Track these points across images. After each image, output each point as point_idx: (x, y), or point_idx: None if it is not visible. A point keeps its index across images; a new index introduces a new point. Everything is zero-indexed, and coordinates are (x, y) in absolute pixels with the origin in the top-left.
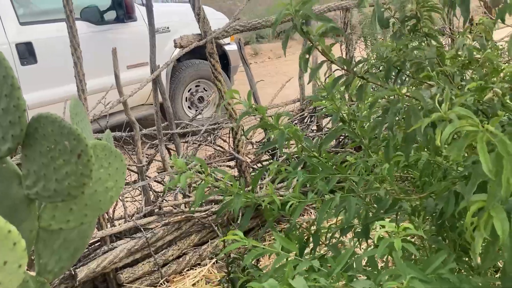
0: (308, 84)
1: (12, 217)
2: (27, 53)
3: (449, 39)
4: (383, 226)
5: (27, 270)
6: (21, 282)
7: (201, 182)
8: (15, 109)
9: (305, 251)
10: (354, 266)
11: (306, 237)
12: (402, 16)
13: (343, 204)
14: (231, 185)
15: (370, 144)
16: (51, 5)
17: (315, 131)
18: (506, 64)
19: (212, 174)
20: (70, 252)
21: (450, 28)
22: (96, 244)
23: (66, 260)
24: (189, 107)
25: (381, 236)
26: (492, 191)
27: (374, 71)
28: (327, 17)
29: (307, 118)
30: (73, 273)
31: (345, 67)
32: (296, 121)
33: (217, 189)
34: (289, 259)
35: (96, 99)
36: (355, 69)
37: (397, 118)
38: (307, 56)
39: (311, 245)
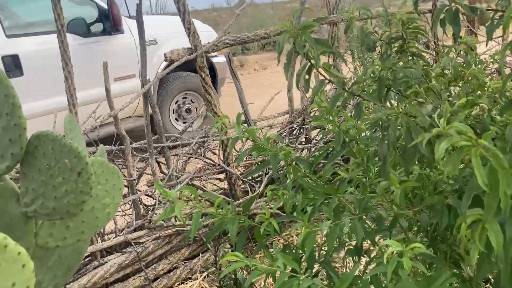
0: (311, 104)
1: (9, 234)
2: (13, 65)
3: (435, 52)
4: (388, 246)
5: None
6: None
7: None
8: (16, 128)
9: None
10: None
11: (301, 256)
12: (388, 37)
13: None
14: (222, 209)
15: (368, 162)
16: (37, 17)
17: (303, 143)
18: (489, 78)
19: (203, 185)
20: (64, 269)
21: (435, 42)
22: (86, 259)
23: (61, 277)
24: (176, 119)
25: (388, 256)
26: (488, 204)
27: (369, 90)
28: (327, 43)
29: (296, 130)
30: None
31: (344, 85)
32: (285, 134)
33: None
34: (290, 277)
35: (82, 111)
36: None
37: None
38: (307, 76)
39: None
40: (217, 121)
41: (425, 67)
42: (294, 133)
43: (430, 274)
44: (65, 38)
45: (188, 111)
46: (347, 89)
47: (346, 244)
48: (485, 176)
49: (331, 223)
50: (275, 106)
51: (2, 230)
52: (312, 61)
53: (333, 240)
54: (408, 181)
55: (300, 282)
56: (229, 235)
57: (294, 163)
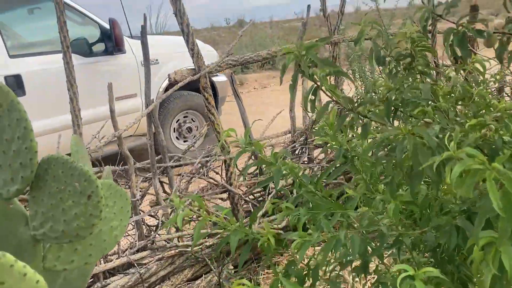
0: (316, 123)
1: (18, 258)
2: (16, 85)
3: (435, 72)
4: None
5: None
6: None
7: (198, 218)
8: (27, 151)
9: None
10: None
11: (305, 273)
12: (397, 54)
13: (346, 241)
14: (229, 221)
15: (372, 180)
16: (39, 37)
17: (306, 162)
18: (493, 98)
19: (207, 208)
20: None
21: (435, 62)
22: (89, 281)
23: None
24: (177, 137)
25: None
26: (503, 227)
27: (376, 111)
28: (329, 61)
29: (298, 150)
30: None
31: (350, 107)
32: (287, 158)
33: (212, 223)
34: None
35: (84, 130)
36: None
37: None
38: (313, 97)
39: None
40: (219, 140)
41: (433, 86)
42: (297, 152)
43: None
44: (71, 60)
45: (189, 129)
46: (353, 109)
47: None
48: (499, 200)
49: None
50: (276, 125)
51: (11, 253)
52: (318, 82)
53: (327, 252)
54: (402, 195)
55: None
56: (231, 256)
57: (298, 179)
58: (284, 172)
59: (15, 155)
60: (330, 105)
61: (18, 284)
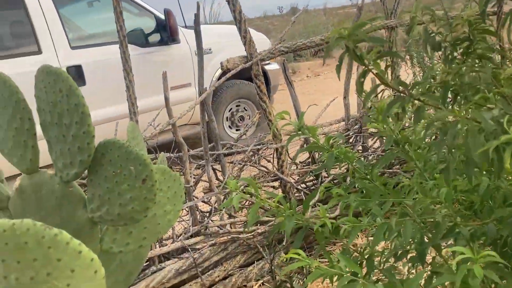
0: (362, 109)
1: (77, 239)
2: (77, 75)
3: (500, 55)
4: (455, 252)
5: None
6: None
7: (251, 203)
8: (84, 136)
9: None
10: None
11: (360, 262)
12: (454, 39)
13: (398, 228)
14: (282, 207)
15: (426, 167)
16: (98, 29)
17: (360, 151)
18: None
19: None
20: (125, 274)
21: (500, 45)
22: (144, 264)
23: (122, 282)
24: (229, 126)
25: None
26: None
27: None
28: (381, 39)
29: (352, 138)
30: None
31: (402, 89)
32: (341, 142)
33: (265, 210)
34: (350, 281)
35: (140, 119)
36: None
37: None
38: (362, 79)
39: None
40: (271, 128)
41: (494, 69)
42: (351, 141)
43: (502, 286)
44: (127, 49)
45: (241, 118)
46: (405, 92)
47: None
48: None
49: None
50: (329, 114)
51: (71, 235)
52: (368, 65)
53: (378, 239)
54: (457, 180)
55: (362, 286)
56: (284, 243)
57: (352, 165)
58: (337, 157)
59: (73, 140)
60: (379, 88)
61: (73, 261)
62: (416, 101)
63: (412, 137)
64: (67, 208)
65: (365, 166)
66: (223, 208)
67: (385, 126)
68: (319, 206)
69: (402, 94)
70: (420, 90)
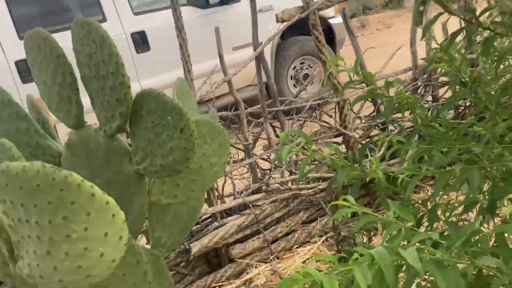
0: (421, 39)
1: (125, 192)
2: (141, 41)
3: None
4: None
5: (145, 243)
6: (132, 255)
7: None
8: (120, 87)
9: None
10: (479, 244)
11: (421, 214)
12: None
13: (464, 177)
14: (337, 158)
15: (497, 109)
16: None
17: (430, 102)
18: None
19: (318, 150)
20: (180, 227)
21: None
22: (207, 220)
23: (177, 234)
24: (294, 85)
25: None
26: None
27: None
28: None
29: (421, 88)
30: (187, 247)
31: (468, 17)
32: (408, 92)
33: (321, 164)
34: (403, 229)
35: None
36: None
37: None
38: (422, 8)
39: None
40: (331, 61)
41: None
42: (419, 91)
43: None
44: (178, 6)
45: (306, 76)
46: (472, 20)
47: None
48: None
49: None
50: (398, 64)
51: (120, 187)
52: None
53: (439, 188)
54: None
55: (408, 234)
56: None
57: (414, 111)
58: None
59: (111, 91)
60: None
61: (88, 204)
62: (485, 30)
63: (482, 76)
64: (114, 162)
65: (430, 111)
66: (281, 163)
67: (449, 65)
68: (385, 163)
69: (468, 24)
70: (490, 18)
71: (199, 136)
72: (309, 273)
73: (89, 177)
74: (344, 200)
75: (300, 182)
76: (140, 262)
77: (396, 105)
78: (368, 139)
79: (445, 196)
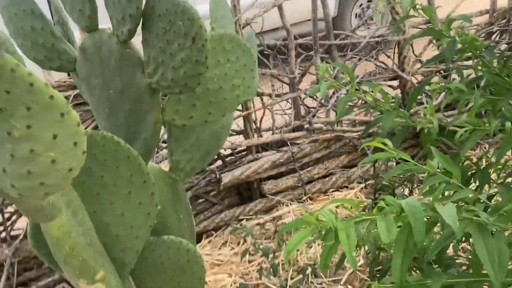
0: None
1: (139, 108)
2: None
3: None
4: None
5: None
6: (138, 174)
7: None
8: None
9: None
10: None
11: (471, 173)
12: None
13: None
14: (382, 99)
15: None
16: None
17: (505, 51)
18: None
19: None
20: (201, 153)
21: None
22: (242, 153)
23: (198, 160)
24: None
25: None
26: None
27: None
28: None
29: (496, 34)
30: (218, 177)
31: None
32: (481, 37)
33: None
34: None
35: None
36: None
37: None
38: None
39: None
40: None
41: None
42: (493, 38)
43: None
44: None
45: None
46: None
47: None
48: None
49: None
50: (474, 6)
51: (132, 101)
52: None
53: (506, 147)
54: None
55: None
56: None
57: (478, 54)
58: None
59: None
60: None
61: (26, 96)
62: None
63: None
64: (126, 72)
65: (497, 57)
66: (327, 102)
67: None
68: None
69: None
70: None
71: (222, 52)
72: (320, 218)
73: (102, 85)
74: (383, 144)
75: (346, 125)
76: (147, 182)
77: (459, 47)
78: (423, 82)
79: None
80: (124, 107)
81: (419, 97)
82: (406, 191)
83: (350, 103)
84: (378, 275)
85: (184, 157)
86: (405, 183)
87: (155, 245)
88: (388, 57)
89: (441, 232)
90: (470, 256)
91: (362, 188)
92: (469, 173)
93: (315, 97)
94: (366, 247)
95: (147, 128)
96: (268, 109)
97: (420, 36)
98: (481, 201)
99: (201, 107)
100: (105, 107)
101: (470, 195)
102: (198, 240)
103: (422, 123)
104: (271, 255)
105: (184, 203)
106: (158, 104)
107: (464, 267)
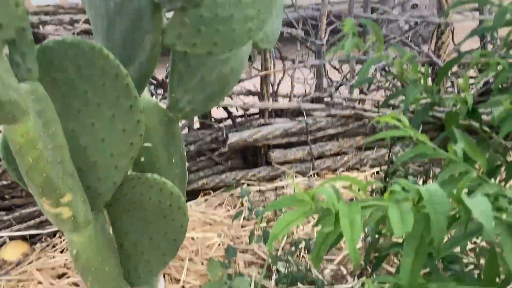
0: None
1: (137, 27)
2: None
3: None
4: None
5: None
6: (126, 97)
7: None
8: None
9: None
10: None
11: (497, 165)
12: None
13: None
14: (410, 69)
15: None
16: None
17: None
18: None
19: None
20: (205, 96)
21: None
22: (255, 115)
23: (200, 103)
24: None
25: None
26: None
27: None
28: None
29: None
30: (225, 136)
31: None
32: None
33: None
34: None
35: None
36: None
37: None
38: None
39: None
40: None
41: None
42: None
43: None
44: None
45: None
46: None
47: None
48: None
49: None
50: None
51: (132, 19)
52: None
53: None
54: None
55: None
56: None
57: None
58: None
59: None
60: None
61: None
62: None
63: None
64: None
65: None
66: (352, 78)
67: None
68: None
69: None
70: None
71: None
72: (317, 197)
73: None
74: (398, 120)
75: (369, 105)
76: (134, 107)
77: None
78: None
79: None
80: (123, 24)
81: (449, 89)
82: (420, 182)
83: (374, 86)
84: (374, 262)
85: (185, 97)
86: (420, 175)
87: (136, 181)
88: (425, 41)
89: (459, 228)
90: (476, 257)
91: (373, 173)
92: (495, 164)
93: (340, 70)
94: (366, 230)
95: (144, 51)
96: (288, 74)
97: (464, 3)
98: (507, 196)
99: (207, 35)
100: (103, 22)
101: (497, 191)
102: (195, 196)
103: (452, 99)
104: (265, 224)
105: (179, 147)
106: (159, 24)
107: (471, 267)
